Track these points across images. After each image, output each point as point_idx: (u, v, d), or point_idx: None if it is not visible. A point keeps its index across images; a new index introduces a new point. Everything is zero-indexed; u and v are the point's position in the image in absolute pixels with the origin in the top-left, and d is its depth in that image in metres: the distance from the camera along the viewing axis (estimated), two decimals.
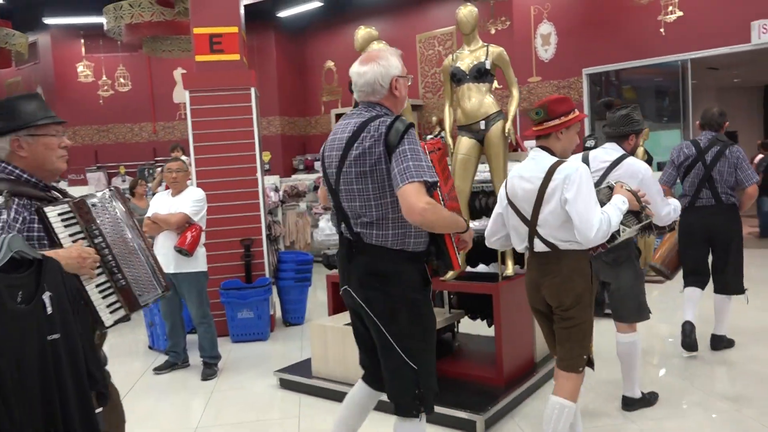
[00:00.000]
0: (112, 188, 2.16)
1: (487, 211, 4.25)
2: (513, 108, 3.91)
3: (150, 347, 5.52)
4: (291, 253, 6.30)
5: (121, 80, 11.98)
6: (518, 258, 4.14)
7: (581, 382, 2.63)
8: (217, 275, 5.56)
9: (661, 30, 8.81)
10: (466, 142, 3.94)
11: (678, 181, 4.42)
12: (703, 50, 8.63)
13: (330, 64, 13.20)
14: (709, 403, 3.59)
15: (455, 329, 4.56)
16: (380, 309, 2.19)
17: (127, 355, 5.42)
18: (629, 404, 3.49)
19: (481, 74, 3.87)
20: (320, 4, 12.19)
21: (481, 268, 4.34)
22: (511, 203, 2.65)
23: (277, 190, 8.31)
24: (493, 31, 10.79)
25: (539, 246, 2.57)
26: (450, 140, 4.02)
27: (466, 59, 3.95)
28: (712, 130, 4.29)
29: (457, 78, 3.95)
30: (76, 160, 12.72)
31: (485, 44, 3.98)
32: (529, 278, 2.70)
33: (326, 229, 7.07)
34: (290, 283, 5.89)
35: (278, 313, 6.16)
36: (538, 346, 4.15)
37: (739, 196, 4.26)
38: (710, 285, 4.46)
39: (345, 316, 4.12)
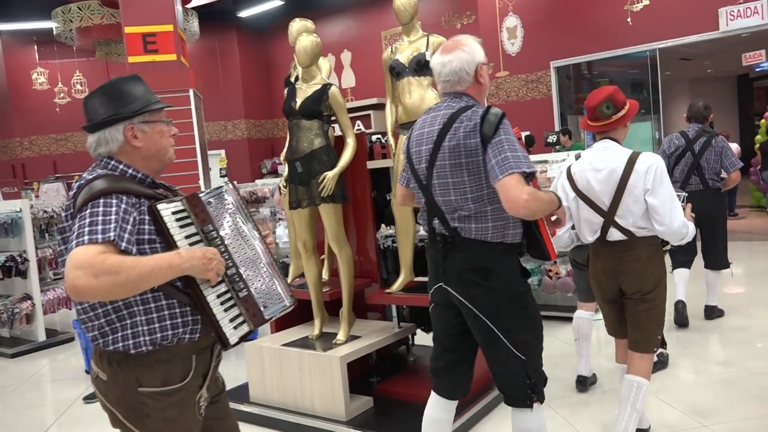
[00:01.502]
0: (229, 181, 1.85)
1: None
2: None
3: (87, 371, 5.13)
4: None
5: (78, 86, 11.52)
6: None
7: (653, 360, 2.76)
8: None
9: (628, 20, 8.57)
10: None
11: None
12: (671, 39, 8.40)
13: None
14: (703, 366, 3.93)
15: (410, 342, 4.23)
16: (485, 304, 2.11)
17: (62, 380, 5.03)
18: (581, 383, 3.71)
19: (421, 67, 3.54)
20: (281, 2, 11.82)
21: None
22: (582, 195, 2.68)
23: None
24: (458, 26, 10.50)
25: (615, 235, 2.63)
26: (392, 140, 3.69)
27: (406, 51, 3.62)
28: (698, 122, 4.67)
29: (396, 72, 3.61)
30: (34, 172, 12.22)
31: (425, 34, 3.65)
32: (602, 267, 2.71)
33: (284, 237, 6.70)
34: None
35: None
36: None
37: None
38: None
39: (288, 334, 3.79)
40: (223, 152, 12.63)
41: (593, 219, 2.67)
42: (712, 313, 4.88)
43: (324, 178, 3.39)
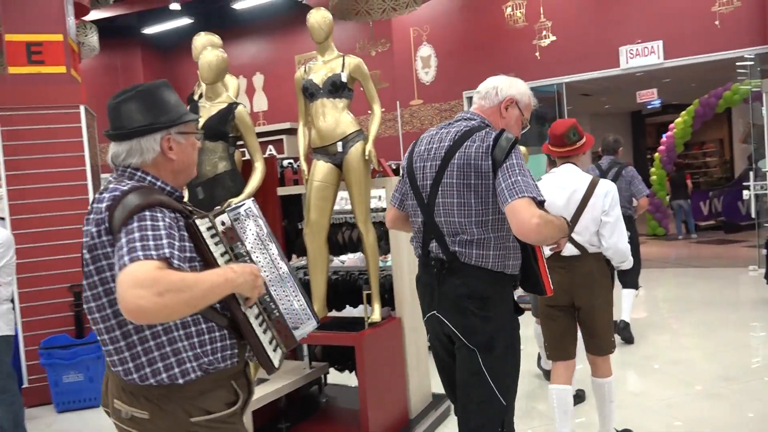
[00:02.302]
0: (253, 199, 1.73)
1: (352, 246, 3.70)
2: (374, 127, 3.41)
3: None
4: None
5: None
6: (387, 300, 3.61)
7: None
8: (38, 331, 4.59)
9: (537, 54, 8.85)
10: (321, 167, 3.37)
11: None
12: (576, 74, 8.74)
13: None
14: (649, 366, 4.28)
15: (323, 382, 3.93)
16: (478, 336, 2.00)
17: None
18: None
19: (336, 88, 3.34)
20: (190, 21, 11.34)
21: (348, 311, 3.78)
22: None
23: None
24: (373, 53, 10.48)
25: (569, 250, 2.86)
26: (304, 165, 3.43)
27: (320, 71, 3.41)
28: (610, 155, 5.07)
29: (309, 92, 3.39)
30: None
31: (341, 54, 3.46)
32: (557, 281, 2.75)
33: None
34: None
35: None
36: (415, 399, 3.61)
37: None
38: None
39: None
40: None
41: None
42: (623, 331, 5.07)
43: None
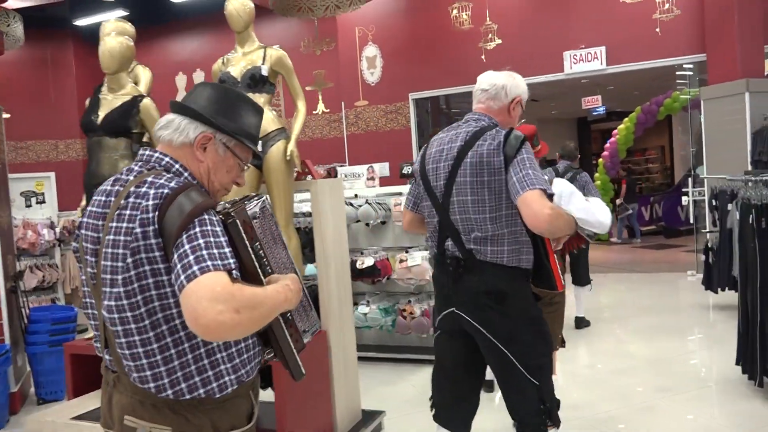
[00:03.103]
0: (264, 196, 1.59)
1: None
2: (298, 125, 3.15)
3: None
4: (45, 309, 4.96)
5: None
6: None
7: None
8: None
9: (483, 57, 8.76)
10: None
11: None
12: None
13: None
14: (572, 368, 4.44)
15: None
16: (499, 330, 2.06)
17: None
18: None
19: (256, 82, 3.07)
20: (124, 13, 10.79)
21: None
22: None
23: (53, 226, 6.82)
24: (318, 53, 10.20)
25: None
26: None
27: (239, 63, 3.13)
28: (569, 160, 5.24)
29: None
30: None
31: (262, 46, 3.19)
32: None
33: None
34: (43, 348, 4.56)
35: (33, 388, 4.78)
36: (342, 417, 3.36)
37: None
38: None
39: (85, 401, 3.03)
40: (52, 175, 11.14)
41: None
42: (581, 323, 5.63)
43: None
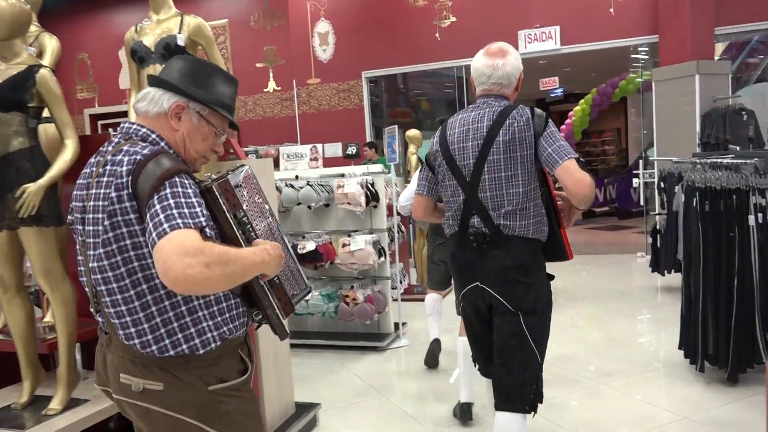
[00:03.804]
0: (247, 166, 1.65)
1: None
2: None
3: None
4: None
5: None
6: None
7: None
8: None
9: (437, 35, 8.56)
10: None
11: None
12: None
13: (83, 56, 11.17)
14: None
15: None
16: (522, 302, 2.16)
17: None
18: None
19: (171, 52, 2.79)
20: None
21: None
22: None
23: None
24: (269, 28, 9.83)
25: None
26: None
27: (154, 31, 2.85)
28: None
29: (138, 56, 2.83)
30: None
31: (180, 13, 2.92)
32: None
33: None
34: None
35: None
36: (272, 411, 3.18)
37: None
38: None
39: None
40: None
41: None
42: None
43: (24, 192, 2.48)
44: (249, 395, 1.55)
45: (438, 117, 10.43)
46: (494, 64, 2.18)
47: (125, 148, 1.41)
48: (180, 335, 1.41)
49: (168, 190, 1.32)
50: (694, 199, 3.55)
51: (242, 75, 10.46)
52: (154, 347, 1.41)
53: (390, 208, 4.99)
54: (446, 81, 9.45)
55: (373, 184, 4.70)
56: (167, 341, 1.41)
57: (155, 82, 1.52)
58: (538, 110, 2.14)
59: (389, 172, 5.04)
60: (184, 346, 1.42)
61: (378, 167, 5.19)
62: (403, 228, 5.57)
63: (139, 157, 1.38)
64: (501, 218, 2.14)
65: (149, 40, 2.82)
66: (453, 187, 2.23)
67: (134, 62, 2.87)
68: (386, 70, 9.10)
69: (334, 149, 8.30)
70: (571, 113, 12.37)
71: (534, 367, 2.19)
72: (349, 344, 4.74)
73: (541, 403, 2.23)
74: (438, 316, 4.22)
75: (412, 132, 6.77)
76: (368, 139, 9.01)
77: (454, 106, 9.28)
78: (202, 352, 1.43)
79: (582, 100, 12.07)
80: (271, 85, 9.94)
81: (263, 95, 9.97)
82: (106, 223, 1.36)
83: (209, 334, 1.44)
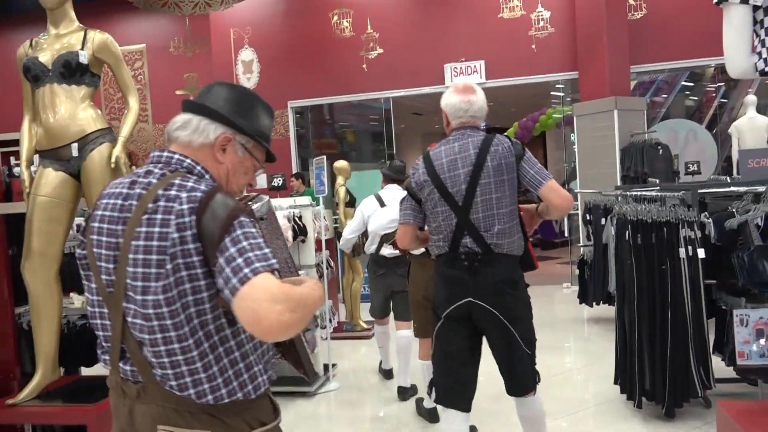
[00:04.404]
0: (267, 197, 1.62)
1: None
2: (128, 126, 2.61)
3: None
4: None
5: None
6: None
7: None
8: None
9: (364, 66, 8.50)
10: (50, 178, 2.49)
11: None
12: (403, 89, 8.52)
13: None
14: None
15: None
16: (512, 312, 2.39)
17: None
18: (402, 393, 4.22)
19: (72, 71, 2.49)
20: None
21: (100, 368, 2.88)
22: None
23: None
24: (190, 54, 9.46)
25: (421, 249, 3.20)
26: (24, 173, 2.51)
27: (53, 47, 2.52)
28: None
29: (33, 74, 2.50)
30: None
31: (83, 27, 2.61)
32: (428, 275, 3.07)
33: None
34: None
35: None
36: None
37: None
38: None
39: None
40: None
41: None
42: None
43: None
44: None
45: (365, 149, 10.27)
46: (469, 99, 2.42)
47: (177, 182, 1.30)
48: (235, 382, 1.34)
49: (239, 231, 1.24)
50: (627, 232, 3.54)
51: (161, 103, 9.99)
52: (209, 396, 1.32)
53: (318, 242, 4.75)
54: (372, 113, 9.39)
55: (300, 218, 4.45)
56: (224, 390, 1.32)
57: (198, 109, 1.40)
58: (513, 138, 2.43)
59: (317, 205, 4.81)
60: (239, 394, 1.35)
61: (306, 199, 4.95)
62: (332, 263, 5.33)
63: (199, 194, 1.28)
64: (493, 237, 2.36)
65: (45, 57, 2.49)
66: (445, 212, 2.41)
67: (27, 81, 2.53)
68: (313, 100, 8.94)
69: (260, 180, 7.97)
70: None
71: (526, 362, 2.45)
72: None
73: (539, 381, 2.52)
74: (388, 347, 4.56)
75: (341, 163, 6.59)
76: (294, 170, 8.75)
77: (381, 138, 9.21)
78: (254, 396, 1.37)
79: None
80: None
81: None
82: (168, 266, 1.24)
83: (260, 378, 1.39)
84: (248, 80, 8.96)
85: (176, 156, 1.37)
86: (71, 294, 3.12)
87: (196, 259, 1.26)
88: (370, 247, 4.20)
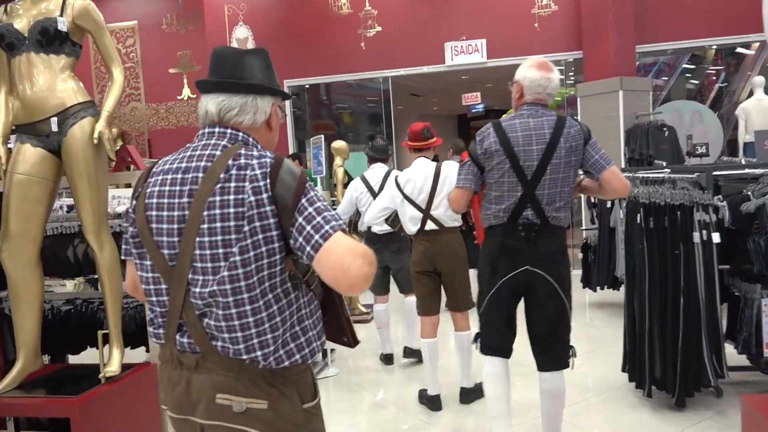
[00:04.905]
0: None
1: (91, 266, 2.66)
2: (112, 99, 2.43)
3: None
4: None
5: None
6: (140, 339, 2.63)
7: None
8: None
9: (362, 44, 8.27)
10: (29, 154, 2.32)
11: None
12: (402, 68, 8.31)
13: None
14: None
15: None
16: (563, 280, 2.56)
17: None
18: (410, 354, 4.55)
19: (50, 39, 2.30)
20: None
21: (89, 355, 2.74)
22: (407, 197, 3.54)
23: None
24: (183, 32, 9.21)
25: (430, 225, 3.52)
26: (1, 150, 2.34)
27: (30, 12, 2.33)
28: (458, 155, 5.36)
29: (7, 42, 2.31)
30: None
31: None
32: (422, 250, 3.56)
33: None
34: None
35: None
36: None
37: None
38: None
39: None
40: None
41: (415, 215, 3.55)
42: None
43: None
44: (321, 418, 1.51)
45: (363, 130, 10.05)
46: (549, 77, 2.49)
47: (243, 152, 1.35)
48: (293, 345, 1.39)
49: (312, 194, 1.32)
50: (638, 215, 3.39)
51: (154, 81, 9.74)
52: (272, 358, 1.36)
53: None
54: (370, 94, 9.17)
55: None
56: (282, 351, 1.37)
57: (251, 88, 1.42)
58: (582, 123, 2.54)
59: (315, 186, 4.65)
60: (297, 356, 1.39)
61: None
62: None
63: (269, 160, 1.34)
64: (553, 211, 2.50)
65: (21, 23, 2.30)
66: (512, 183, 2.50)
67: (2, 50, 2.34)
68: (309, 79, 8.72)
69: None
70: None
71: (567, 333, 2.63)
72: None
73: (575, 356, 2.67)
74: (388, 329, 4.53)
75: (339, 144, 6.40)
76: (291, 151, 8.56)
77: (380, 118, 9.01)
78: (310, 361, 1.43)
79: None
80: (186, 92, 9.29)
81: (177, 103, 9.31)
82: (246, 228, 1.29)
83: (315, 344, 1.44)
84: None
85: (229, 131, 1.41)
86: (60, 279, 2.97)
87: (272, 221, 1.31)
88: (363, 226, 4.36)
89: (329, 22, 8.36)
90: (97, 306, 2.65)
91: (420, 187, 3.50)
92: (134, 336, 2.60)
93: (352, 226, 4.64)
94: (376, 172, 4.45)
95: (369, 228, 4.32)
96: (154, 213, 1.36)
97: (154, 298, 1.39)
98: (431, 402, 3.66)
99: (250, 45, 8.66)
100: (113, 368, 2.36)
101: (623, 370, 3.67)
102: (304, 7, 8.47)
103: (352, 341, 1.57)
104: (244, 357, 1.34)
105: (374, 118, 9.47)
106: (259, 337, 1.34)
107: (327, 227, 1.28)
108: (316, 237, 1.27)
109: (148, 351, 2.57)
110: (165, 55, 9.19)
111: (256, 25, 8.63)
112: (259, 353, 1.35)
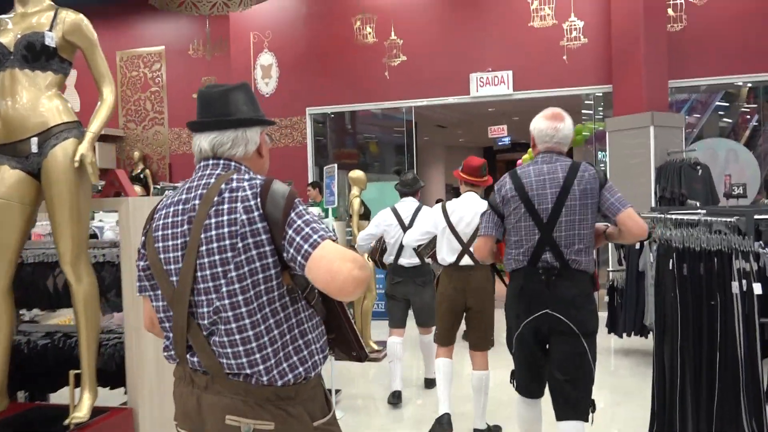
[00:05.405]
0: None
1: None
2: (99, 121, 2.28)
3: None
4: None
5: None
6: (115, 378, 2.43)
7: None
8: None
9: (386, 74, 8.17)
10: (6, 175, 2.18)
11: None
12: (426, 98, 8.16)
13: None
14: None
15: None
16: (586, 325, 2.54)
17: None
18: (429, 384, 4.61)
19: (36, 54, 2.18)
20: None
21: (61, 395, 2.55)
22: (451, 227, 3.64)
23: None
24: (209, 57, 9.25)
25: (466, 261, 3.63)
26: None
27: (18, 26, 2.21)
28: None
29: None
30: None
31: (54, 6, 2.30)
32: (453, 285, 3.67)
33: None
34: None
35: None
36: None
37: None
38: None
39: None
40: None
41: (455, 246, 3.62)
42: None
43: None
44: (339, 429, 1.55)
45: (388, 160, 9.85)
46: (556, 126, 2.57)
47: (234, 177, 1.44)
48: (295, 358, 1.42)
49: (301, 208, 1.41)
50: (671, 260, 3.10)
51: (178, 106, 9.77)
52: (275, 371, 1.39)
53: None
54: (395, 124, 9.04)
55: None
56: (285, 364, 1.41)
57: (239, 123, 1.50)
58: (598, 167, 2.60)
59: (326, 216, 4.46)
60: (300, 369, 1.42)
61: (316, 210, 4.60)
62: None
63: (259, 181, 1.43)
64: (573, 254, 2.50)
65: (7, 38, 2.18)
66: (528, 227, 2.55)
67: None
68: (332, 107, 8.63)
69: None
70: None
71: (592, 380, 2.58)
72: None
73: (594, 411, 2.60)
74: (400, 363, 4.34)
75: (356, 173, 6.22)
76: (311, 179, 8.43)
77: (403, 150, 8.85)
78: (312, 375, 1.45)
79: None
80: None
81: None
82: (240, 245, 1.37)
83: (317, 357, 1.47)
84: (266, 85, 8.69)
85: (222, 161, 1.50)
86: (45, 311, 2.81)
87: (264, 237, 1.37)
88: (388, 258, 4.37)
89: (354, 51, 8.29)
90: (75, 341, 2.47)
91: (468, 222, 3.58)
92: (114, 375, 2.40)
93: (378, 255, 4.54)
94: (407, 205, 4.44)
95: (396, 260, 4.31)
96: (161, 244, 1.45)
97: (166, 324, 1.47)
98: (440, 425, 3.64)
99: (274, 72, 8.64)
100: (81, 414, 2.14)
101: (651, 429, 3.34)
102: (329, 35, 8.43)
103: (362, 355, 1.59)
104: (248, 371, 1.39)
105: (399, 149, 9.33)
106: (260, 351, 1.39)
107: (315, 236, 1.35)
108: (306, 246, 1.33)
109: (126, 393, 2.36)
110: (190, 80, 9.21)
111: (281, 52, 8.61)
112: (261, 367, 1.39)
